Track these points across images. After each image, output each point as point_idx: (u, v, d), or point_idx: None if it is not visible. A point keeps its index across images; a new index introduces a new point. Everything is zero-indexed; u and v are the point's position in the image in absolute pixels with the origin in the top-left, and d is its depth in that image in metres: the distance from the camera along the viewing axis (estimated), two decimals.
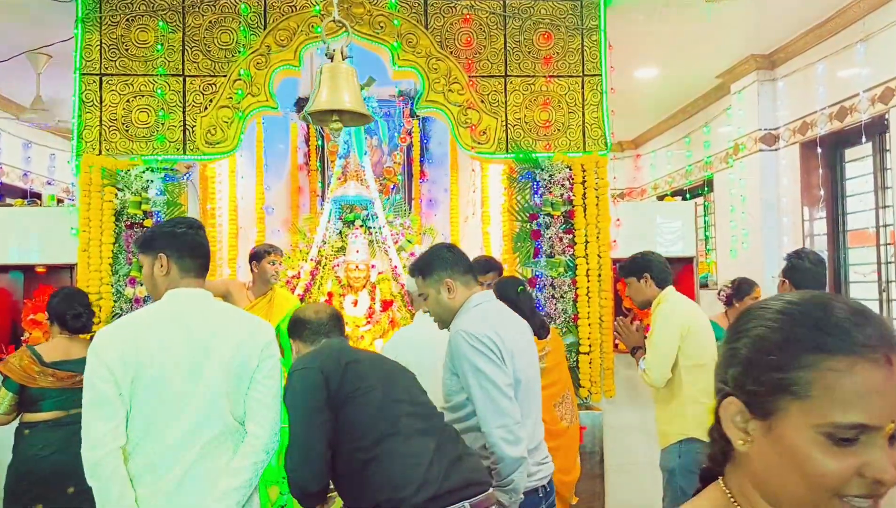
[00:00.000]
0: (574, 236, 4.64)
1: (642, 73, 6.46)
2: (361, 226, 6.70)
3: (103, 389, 2.10)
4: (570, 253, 4.64)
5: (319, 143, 7.31)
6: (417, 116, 7.30)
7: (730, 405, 0.92)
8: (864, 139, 4.77)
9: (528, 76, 4.79)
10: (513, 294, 3.69)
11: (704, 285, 7.09)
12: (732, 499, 0.94)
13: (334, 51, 2.70)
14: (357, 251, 6.48)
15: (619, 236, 4.81)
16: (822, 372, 0.83)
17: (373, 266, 6.50)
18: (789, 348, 0.86)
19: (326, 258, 6.64)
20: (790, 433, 0.85)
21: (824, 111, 5.22)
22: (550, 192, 4.62)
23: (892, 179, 4.76)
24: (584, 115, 4.81)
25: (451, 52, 4.74)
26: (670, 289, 3.57)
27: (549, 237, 4.61)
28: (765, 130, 5.98)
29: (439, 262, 2.61)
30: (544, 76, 4.78)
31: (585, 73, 4.83)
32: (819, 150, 5.30)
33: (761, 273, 5.95)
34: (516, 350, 2.47)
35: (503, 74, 4.79)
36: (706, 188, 7.26)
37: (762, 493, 0.91)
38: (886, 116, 4.59)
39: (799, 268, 3.54)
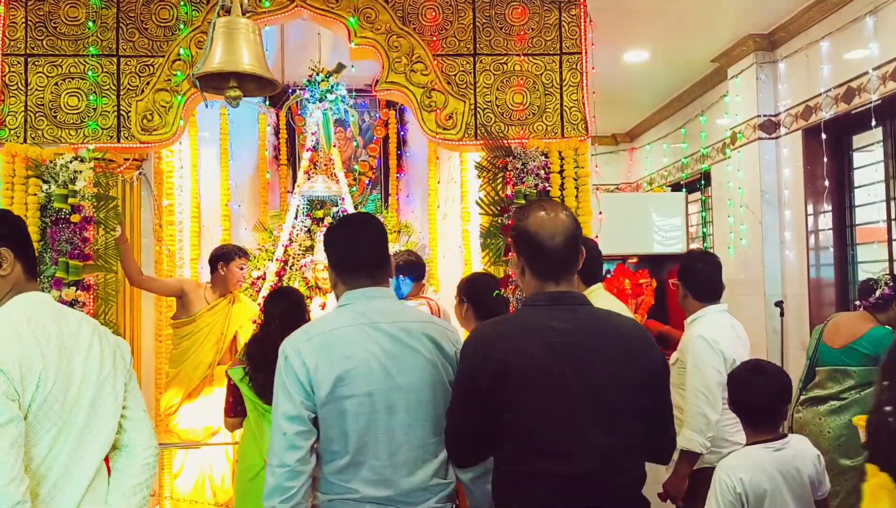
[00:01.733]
0: None
1: (632, 56, 6.00)
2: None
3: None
4: None
5: (290, 135, 6.88)
6: (395, 107, 6.85)
7: None
8: (873, 123, 4.29)
9: (500, 55, 4.33)
10: (486, 298, 3.25)
11: None
12: None
13: (232, 1, 2.24)
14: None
15: (602, 231, 4.34)
16: None
17: None
18: None
19: (294, 258, 6.19)
20: None
21: (829, 93, 4.74)
22: (523, 182, 4.15)
23: None
24: (562, 97, 4.34)
25: (415, 29, 4.28)
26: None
27: None
28: (764, 116, 5.51)
29: None
30: (518, 55, 4.31)
31: (564, 50, 4.36)
32: (824, 136, 4.83)
33: (760, 273, 5.47)
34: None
35: (472, 52, 4.33)
36: (703, 182, 6.77)
37: None
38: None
39: (691, 270, 3.25)
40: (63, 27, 4.18)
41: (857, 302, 3.97)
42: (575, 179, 4.24)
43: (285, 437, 1.89)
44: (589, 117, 4.36)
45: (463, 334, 2.58)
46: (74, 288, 4.01)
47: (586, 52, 4.36)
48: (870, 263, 4.84)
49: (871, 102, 4.32)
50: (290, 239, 6.14)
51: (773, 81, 5.45)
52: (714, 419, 2.97)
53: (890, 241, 4.58)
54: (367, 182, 7.01)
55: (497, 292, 3.22)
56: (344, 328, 1.96)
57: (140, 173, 5.61)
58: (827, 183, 4.90)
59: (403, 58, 4.25)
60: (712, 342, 3.01)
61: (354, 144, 7.04)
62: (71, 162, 4.03)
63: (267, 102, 6.78)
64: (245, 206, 6.78)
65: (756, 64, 5.50)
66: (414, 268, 4.53)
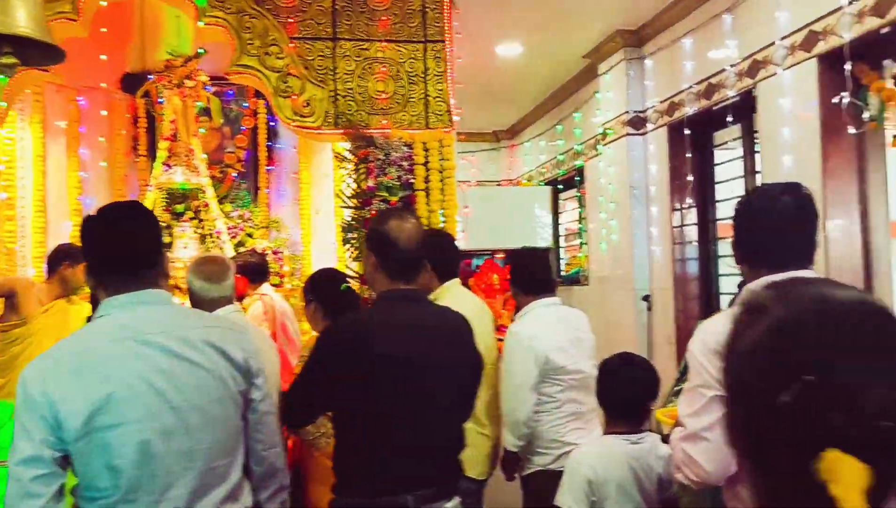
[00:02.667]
0: None
1: (505, 49, 5.92)
2: (194, 218, 5.88)
3: None
4: None
5: (151, 125, 6.43)
6: (265, 96, 6.51)
7: None
8: (730, 119, 4.35)
9: (362, 40, 4.13)
10: (333, 293, 3.04)
11: (576, 282, 6.64)
12: None
13: None
14: (185, 247, 5.65)
15: (469, 225, 4.21)
16: None
17: None
18: None
19: None
20: None
21: (692, 90, 4.80)
22: (386, 173, 3.96)
23: (761, 164, 4.36)
24: (426, 87, 4.18)
25: (270, 10, 4.02)
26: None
27: None
28: (633, 112, 5.55)
29: None
30: (380, 40, 4.12)
31: (428, 38, 4.20)
32: (687, 132, 4.88)
33: (630, 267, 5.51)
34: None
35: (332, 36, 4.11)
36: (578, 179, 6.80)
37: None
38: (754, 93, 4.18)
39: (518, 266, 3.24)
40: None
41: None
42: (440, 172, 4.10)
43: (19, 483, 1.56)
44: (454, 109, 4.22)
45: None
46: None
47: (451, 41, 4.22)
48: (730, 256, 4.92)
49: (728, 99, 4.39)
50: None
51: (640, 78, 5.49)
52: (522, 418, 2.87)
53: None
54: (234, 175, 6.65)
55: (345, 284, 3.01)
56: (101, 347, 1.64)
57: None
58: (690, 179, 4.96)
59: (257, 40, 3.98)
60: (526, 340, 2.90)
61: (221, 135, 6.66)
62: None
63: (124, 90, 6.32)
64: (100, 199, 6.27)
65: (625, 60, 5.53)
66: (251, 268, 4.25)
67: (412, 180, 4.02)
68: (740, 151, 4.69)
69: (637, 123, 5.53)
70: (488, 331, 3.09)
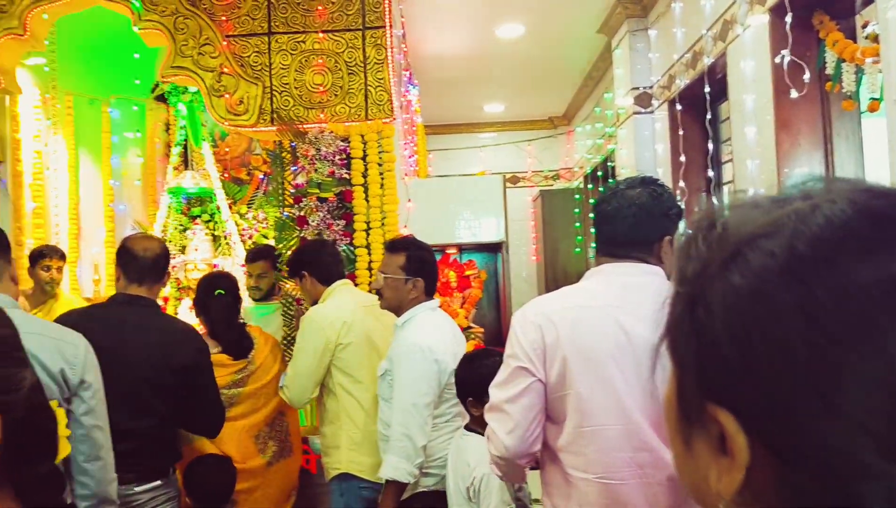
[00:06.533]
0: (353, 223, 3.84)
1: (505, 30, 5.59)
2: (209, 221, 6.01)
3: None
4: (348, 242, 3.83)
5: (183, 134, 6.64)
6: None
7: None
8: (707, 90, 3.83)
9: (298, 32, 4.00)
10: (207, 297, 3.00)
11: None
12: None
13: None
14: (196, 249, 5.78)
15: (412, 221, 3.98)
16: None
17: (215, 266, 5.78)
18: None
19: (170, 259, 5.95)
20: None
21: (683, 60, 4.30)
22: (316, 169, 3.81)
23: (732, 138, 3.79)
24: (366, 76, 3.99)
25: (205, 10, 3.98)
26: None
27: (317, 224, 3.80)
28: (642, 88, 5.06)
29: None
30: (317, 31, 3.98)
31: (367, 25, 4.01)
32: (678, 108, 4.38)
33: None
34: None
35: (267, 31, 4.01)
36: (611, 164, 6.32)
37: None
38: (725, 59, 3.65)
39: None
40: None
41: None
42: (379, 165, 3.90)
43: None
44: (397, 97, 4.00)
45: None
46: None
47: (391, 25, 4.00)
48: None
49: (706, 68, 3.88)
50: (163, 238, 5.90)
51: (646, 50, 5.00)
52: (422, 443, 2.46)
53: None
54: (261, 177, 6.74)
55: (219, 290, 2.93)
56: None
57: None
58: (683, 158, 4.44)
59: (190, 40, 3.95)
60: (428, 352, 2.48)
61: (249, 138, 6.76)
62: None
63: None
64: (132, 206, 6.56)
65: (629, 32, 5.05)
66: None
67: (346, 175, 3.85)
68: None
69: (644, 100, 5.04)
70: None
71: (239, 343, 2.98)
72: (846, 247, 0.45)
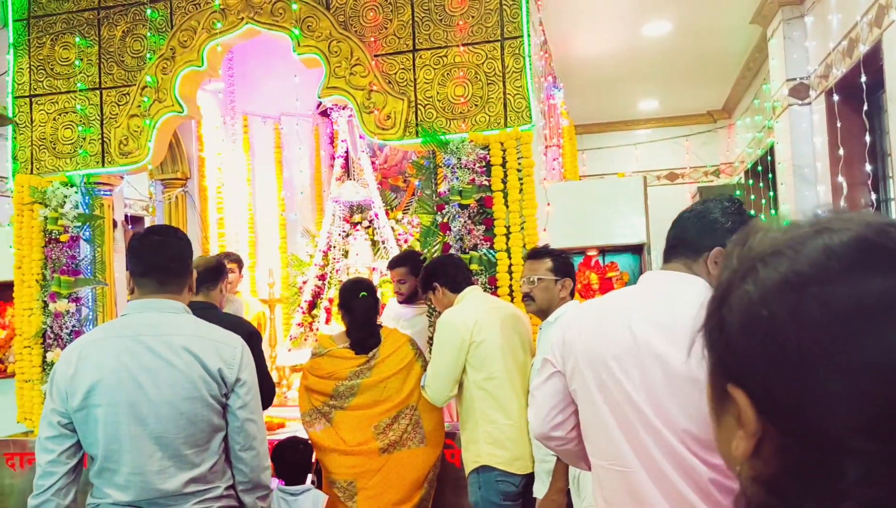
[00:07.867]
0: (494, 228, 3.98)
1: (651, 28, 5.51)
2: (368, 227, 6.39)
3: None
4: (489, 246, 3.98)
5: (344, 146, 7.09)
6: None
7: None
8: (863, 79, 3.61)
9: (440, 47, 4.20)
10: (352, 299, 3.28)
11: None
12: None
13: None
14: (357, 254, 6.17)
15: (551, 225, 4.05)
16: None
17: (374, 269, 6.15)
18: None
19: (335, 263, 6.40)
20: None
21: (839, 48, 4.06)
22: (458, 178, 3.99)
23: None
24: (504, 85, 4.12)
25: (356, 32, 4.28)
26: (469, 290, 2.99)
27: (458, 230, 3.98)
28: (799, 79, 4.82)
29: None
30: (458, 45, 4.16)
31: (505, 35, 4.14)
32: (836, 99, 4.14)
33: None
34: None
35: (411, 48, 4.24)
36: (771, 159, 6.03)
37: None
38: (881, 45, 3.43)
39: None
40: (58, 67, 4.68)
41: None
42: (518, 171, 4.02)
43: (38, 440, 2.08)
44: (534, 104, 4.09)
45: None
46: (66, 300, 4.50)
47: (529, 34, 4.10)
48: None
49: (861, 56, 3.65)
50: (329, 245, 6.35)
51: (803, 39, 4.75)
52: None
53: None
54: (416, 184, 7.05)
55: (363, 292, 3.20)
56: (103, 340, 2.08)
57: (184, 191, 6.12)
58: (841, 152, 4.18)
59: (343, 62, 4.26)
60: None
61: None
62: (57, 189, 4.52)
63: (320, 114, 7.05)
64: (302, 215, 7.07)
65: (783, 21, 4.82)
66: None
67: (486, 183, 4.00)
68: None
69: (800, 91, 4.79)
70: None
71: (366, 341, 3.24)
72: (832, 268, 0.58)
